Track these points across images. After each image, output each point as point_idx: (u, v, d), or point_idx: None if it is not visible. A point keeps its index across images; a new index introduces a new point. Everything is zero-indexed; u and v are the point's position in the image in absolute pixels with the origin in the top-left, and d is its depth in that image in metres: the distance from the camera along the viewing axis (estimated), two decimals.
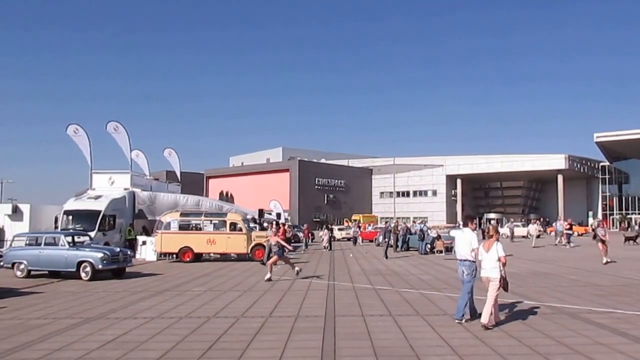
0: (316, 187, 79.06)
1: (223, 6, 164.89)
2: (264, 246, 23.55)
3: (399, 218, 67.61)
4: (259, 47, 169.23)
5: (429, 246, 27.49)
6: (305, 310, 10.48)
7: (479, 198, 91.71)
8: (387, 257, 24.01)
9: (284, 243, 17.02)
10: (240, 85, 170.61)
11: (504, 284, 8.65)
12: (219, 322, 9.39)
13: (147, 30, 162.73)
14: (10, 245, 18.99)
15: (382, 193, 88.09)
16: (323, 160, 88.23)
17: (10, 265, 17.13)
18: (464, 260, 9.16)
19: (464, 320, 8.95)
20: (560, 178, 77.36)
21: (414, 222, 54.25)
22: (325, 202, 79.77)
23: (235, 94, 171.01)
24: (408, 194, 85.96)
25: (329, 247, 32.17)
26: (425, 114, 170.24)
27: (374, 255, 26.80)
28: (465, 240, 9.18)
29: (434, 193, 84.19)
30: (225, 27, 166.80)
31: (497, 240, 8.90)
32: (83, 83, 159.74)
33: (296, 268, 16.60)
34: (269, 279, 15.51)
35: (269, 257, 17.71)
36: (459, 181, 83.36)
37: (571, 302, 11.10)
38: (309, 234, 36.38)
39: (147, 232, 27.52)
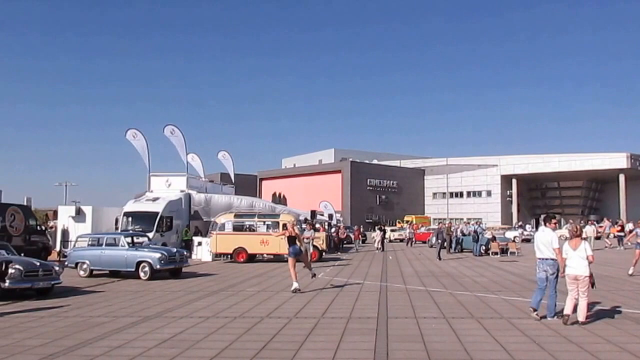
0: (368, 188, 78.72)
1: (276, 10, 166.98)
2: (316, 247, 23.69)
3: (452, 219, 66.40)
4: (311, 50, 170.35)
5: (483, 248, 26.86)
6: (358, 312, 10.43)
7: (535, 198, 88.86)
8: (440, 259, 23.64)
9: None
10: (292, 88, 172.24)
11: (592, 281, 8.92)
12: (272, 322, 9.48)
13: (203, 34, 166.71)
14: (74, 245, 19.85)
15: (434, 194, 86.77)
16: (375, 161, 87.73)
17: (74, 265, 17.87)
18: (546, 259, 9.21)
19: (553, 317, 9.10)
20: (621, 177, 73.86)
21: (467, 223, 53.21)
22: (378, 203, 79.31)
23: (287, 96, 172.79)
24: (461, 194, 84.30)
25: (381, 249, 31.95)
26: (478, 115, 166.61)
27: (427, 256, 26.42)
28: (546, 239, 9.23)
29: (489, 194, 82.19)
30: (278, 30, 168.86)
31: (583, 239, 9.12)
32: (142, 87, 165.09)
33: (313, 271, 14.76)
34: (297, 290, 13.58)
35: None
36: (514, 181, 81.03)
37: (635, 307, 10.57)
38: (360, 235, 36.21)
39: (200, 232, 28.19)
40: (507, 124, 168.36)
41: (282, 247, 23.39)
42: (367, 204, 77.22)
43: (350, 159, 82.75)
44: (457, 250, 29.06)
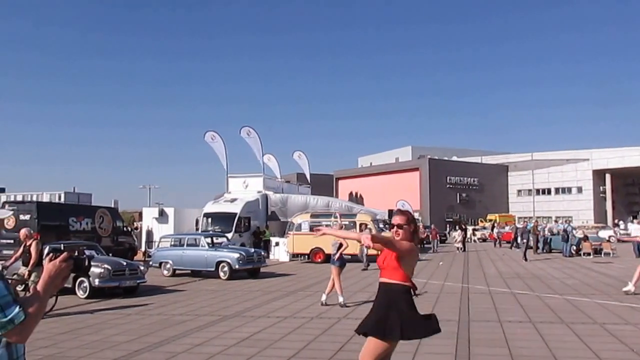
0: (448, 186, 76.81)
1: (351, 9, 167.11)
2: None
3: (538, 217, 63.43)
4: (386, 48, 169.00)
5: (574, 248, 25.39)
6: (438, 314, 9.95)
7: (632, 195, 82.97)
8: (526, 260, 22.58)
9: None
10: (367, 87, 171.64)
11: None
12: (349, 323, 9.35)
13: (278, 34, 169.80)
14: (158, 246, 20.70)
15: (519, 191, 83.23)
16: (454, 158, 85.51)
17: (157, 265, 18.58)
18: None
19: None
20: None
21: (555, 221, 50.58)
22: (458, 201, 77.19)
23: (363, 95, 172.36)
24: (549, 191, 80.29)
25: (462, 249, 31.01)
26: (565, 107, 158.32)
27: (512, 257, 25.34)
28: None
29: (579, 190, 77.74)
30: (353, 29, 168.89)
31: None
32: (218, 87, 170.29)
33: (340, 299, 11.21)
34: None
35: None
36: (607, 176, 76.10)
37: None
38: (437, 235, 35.18)
39: (262, 232, 28.27)
40: (598, 115, 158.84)
41: (359, 248, 23.33)
42: (446, 203, 75.35)
43: (429, 156, 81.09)
44: (544, 251, 27.68)
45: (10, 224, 18.91)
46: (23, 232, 10.94)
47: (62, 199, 25.43)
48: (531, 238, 26.28)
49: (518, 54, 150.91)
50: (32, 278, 10.25)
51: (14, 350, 2.32)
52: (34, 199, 26.04)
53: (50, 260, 2.41)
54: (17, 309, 2.22)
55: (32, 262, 10.37)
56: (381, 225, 26.71)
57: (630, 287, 12.18)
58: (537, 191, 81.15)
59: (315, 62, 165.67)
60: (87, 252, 14.47)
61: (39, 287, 2.37)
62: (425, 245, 34.77)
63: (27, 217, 19.69)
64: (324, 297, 11.29)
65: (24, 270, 10.44)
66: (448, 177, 77.38)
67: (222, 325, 9.30)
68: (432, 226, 36.06)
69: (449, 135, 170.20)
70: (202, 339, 8.22)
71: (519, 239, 29.64)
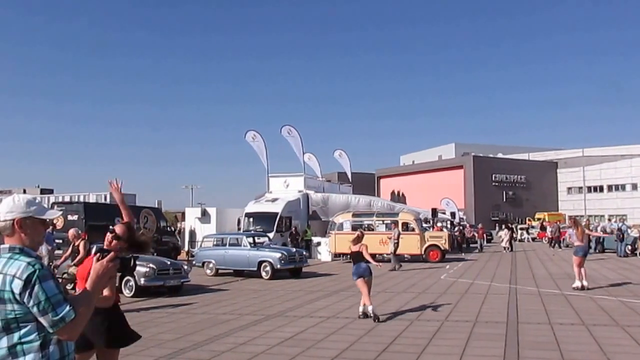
0: (493, 183, 75.11)
1: (394, 7, 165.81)
2: (438, 247, 22.95)
3: (590, 216, 61.27)
4: (428, 45, 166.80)
5: (629, 247, 24.36)
6: (485, 316, 9.83)
7: None
8: None
9: (367, 256, 10.05)
10: (409, 84, 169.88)
11: None
12: (393, 324, 9.22)
13: (320, 32, 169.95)
14: (201, 245, 20.96)
15: (569, 188, 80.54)
16: (500, 155, 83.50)
17: (201, 264, 18.76)
18: None
19: None
20: None
21: (609, 219, 48.72)
22: (504, 199, 75.35)
23: (404, 92, 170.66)
24: (601, 188, 77.34)
25: (509, 248, 30.22)
26: (618, 101, 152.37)
27: (562, 257, 24.52)
28: None
29: (634, 187, 74.53)
30: (389, 26, 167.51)
31: None
32: (258, 86, 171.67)
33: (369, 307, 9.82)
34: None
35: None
36: None
37: None
38: (484, 235, 34.34)
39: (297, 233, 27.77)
40: None
41: (403, 247, 23.04)
42: (492, 201, 73.69)
43: (473, 154, 79.50)
44: (597, 251, 26.68)
45: (59, 224, 19.49)
46: (71, 232, 11.22)
47: (108, 200, 26.04)
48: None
49: (568, 48, 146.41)
50: None
51: (64, 347, 2.40)
52: (81, 199, 26.76)
53: (98, 260, 2.47)
54: (67, 308, 2.29)
55: (78, 259, 10.63)
56: (424, 225, 26.35)
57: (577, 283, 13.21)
58: (589, 189, 78.23)
59: (356, 61, 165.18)
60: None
61: (87, 286, 2.42)
62: (471, 245, 34.13)
63: (75, 217, 20.22)
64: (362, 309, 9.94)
65: (73, 270, 10.70)
66: (493, 175, 75.62)
67: (265, 325, 9.30)
68: (479, 225, 35.14)
69: (494, 131, 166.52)
70: (245, 338, 8.24)
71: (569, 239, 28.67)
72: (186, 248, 28.04)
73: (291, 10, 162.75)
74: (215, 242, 19.37)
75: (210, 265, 18.47)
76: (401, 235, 21.09)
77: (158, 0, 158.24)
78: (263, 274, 17.12)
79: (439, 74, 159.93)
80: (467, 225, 39.47)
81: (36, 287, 2.26)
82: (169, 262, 14.20)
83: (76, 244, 10.86)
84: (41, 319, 2.28)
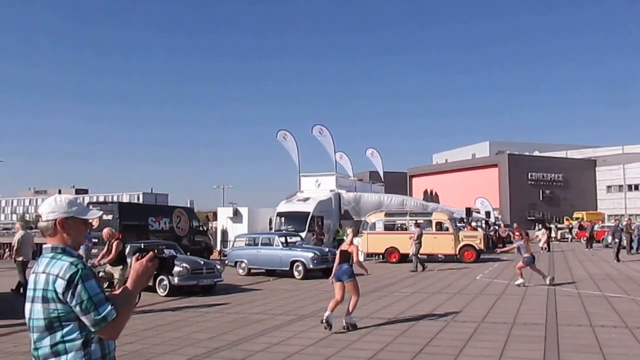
0: (529, 182, 73.49)
1: (429, 5, 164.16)
2: (473, 247, 22.54)
3: (631, 215, 59.37)
4: (461, 43, 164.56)
5: None
6: (523, 317, 9.58)
7: None
8: (618, 260, 21.13)
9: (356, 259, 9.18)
10: (441, 82, 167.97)
11: None
12: (428, 325, 9.07)
13: (352, 32, 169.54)
14: (233, 245, 21.06)
15: (609, 187, 78.18)
16: (536, 153, 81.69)
17: (233, 264, 18.82)
18: None
19: None
20: None
21: None
22: (541, 198, 73.62)
23: (436, 90, 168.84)
24: None
25: (547, 249, 29.49)
26: None
27: (602, 257, 23.81)
28: None
29: None
30: (422, 25, 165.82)
31: None
32: (290, 87, 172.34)
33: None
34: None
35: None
36: None
37: None
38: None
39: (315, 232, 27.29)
40: None
41: (437, 247, 22.76)
42: (528, 200, 72.11)
43: (508, 152, 77.99)
44: (638, 251, 25.82)
45: (95, 223, 19.84)
46: (106, 231, 11.31)
47: (141, 199, 26.59)
48: (624, 237, 24.54)
49: (608, 46, 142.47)
50: (116, 276, 10.64)
51: (105, 346, 2.42)
52: (115, 199, 27.28)
53: (137, 259, 2.48)
54: (109, 307, 2.32)
55: (109, 258, 10.73)
56: (458, 224, 25.95)
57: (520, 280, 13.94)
58: (629, 187, 75.81)
59: (388, 60, 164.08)
60: (166, 252, 14.93)
61: (128, 285, 2.45)
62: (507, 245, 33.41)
63: (110, 217, 20.39)
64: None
65: (110, 269, 10.88)
66: (529, 173, 73.96)
67: (299, 325, 9.27)
68: (515, 225, 34.25)
69: (530, 129, 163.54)
70: (279, 338, 8.21)
71: (609, 239, 27.80)
72: (218, 248, 28.26)
73: (323, 11, 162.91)
74: (247, 242, 19.40)
75: (243, 264, 18.53)
76: (423, 235, 20.47)
77: (198, 3, 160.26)
78: (295, 273, 17.08)
79: (473, 71, 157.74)
80: (502, 224, 38.69)
81: (79, 287, 2.29)
82: (202, 262, 14.30)
83: (111, 243, 10.96)
84: (83, 318, 2.30)
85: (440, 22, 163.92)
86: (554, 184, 75.24)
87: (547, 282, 14.00)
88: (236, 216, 30.05)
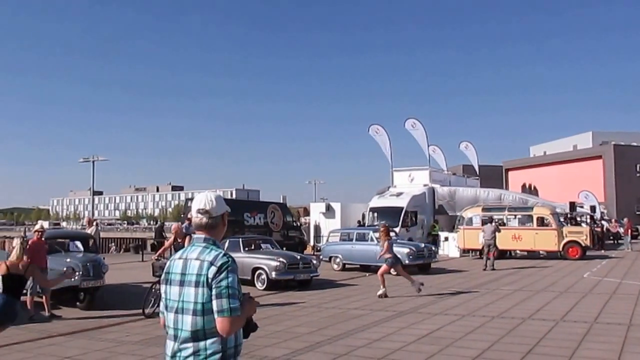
0: (638, 174, 68.17)
1: None
2: (578, 243, 21.25)
3: None
4: (566, 34, 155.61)
5: None
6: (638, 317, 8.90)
7: None
8: None
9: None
10: (540, 74, 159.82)
11: None
12: (535, 324, 8.63)
13: (440, 27, 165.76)
14: (327, 240, 21.19)
15: None
16: None
17: (327, 259, 18.91)
18: None
19: None
20: None
21: None
22: None
23: (534, 83, 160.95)
24: None
25: None
26: None
27: None
28: None
29: None
30: (518, 19, 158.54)
31: None
32: (381, 82, 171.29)
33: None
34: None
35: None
36: None
37: None
38: (630, 230, 30.56)
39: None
40: None
41: (538, 243, 21.68)
42: (636, 194, 66.88)
43: (613, 142, 72.76)
44: None
45: None
46: (175, 226, 11.31)
47: (234, 195, 27.49)
48: None
49: None
50: None
51: (238, 336, 2.55)
52: None
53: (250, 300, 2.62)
54: (238, 304, 2.47)
55: (162, 249, 10.77)
56: (561, 219, 24.52)
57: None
58: None
59: (481, 54, 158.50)
60: (262, 246, 15.33)
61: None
62: (619, 241, 31.26)
63: None
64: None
65: (163, 262, 10.58)
66: (638, 165, 68.63)
67: (398, 321, 9.14)
68: (625, 219, 31.30)
69: (637, 118, 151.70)
70: (380, 334, 8.14)
71: None
72: (311, 243, 28.61)
73: (413, 6, 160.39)
74: (341, 237, 19.45)
75: (337, 260, 18.60)
76: (499, 230, 19.22)
77: (294, 2, 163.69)
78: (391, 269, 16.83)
79: (575, 62, 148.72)
80: (613, 219, 35.97)
81: (223, 274, 2.47)
82: (299, 257, 14.52)
83: (177, 237, 10.77)
84: (214, 302, 2.45)
85: (535, 13, 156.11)
86: None
87: (382, 293, 12.16)
88: (329, 211, 30.22)
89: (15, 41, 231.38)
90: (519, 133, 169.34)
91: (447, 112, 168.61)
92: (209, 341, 2.45)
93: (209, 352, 2.45)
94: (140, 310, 10.03)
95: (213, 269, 2.47)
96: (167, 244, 11.23)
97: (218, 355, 2.46)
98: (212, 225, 2.65)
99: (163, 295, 2.65)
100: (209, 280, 2.45)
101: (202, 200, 2.71)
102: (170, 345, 2.54)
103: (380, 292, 12.12)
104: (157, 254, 11.05)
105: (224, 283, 2.45)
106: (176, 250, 10.78)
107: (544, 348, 7.06)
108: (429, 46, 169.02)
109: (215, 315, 2.43)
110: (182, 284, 2.52)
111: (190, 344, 2.46)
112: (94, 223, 17.14)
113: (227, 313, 2.42)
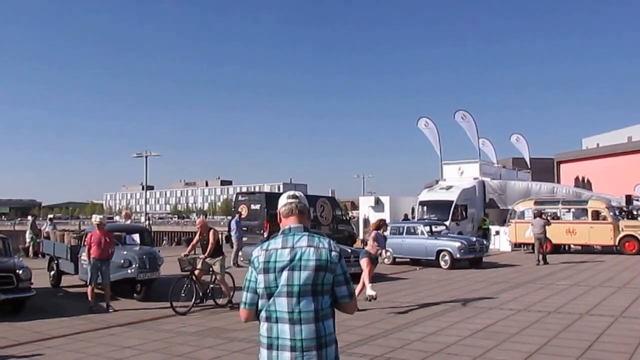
0: None
1: None
2: (635, 237, 20.54)
3: None
4: (614, 27, 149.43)
5: None
6: None
7: None
8: None
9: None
10: (590, 64, 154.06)
11: None
12: (593, 320, 8.48)
13: (492, 19, 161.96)
14: None
15: None
16: None
17: None
18: None
19: None
20: None
21: None
22: None
23: (586, 74, 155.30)
24: None
25: None
26: None
27: None
28: None
29: None
30: (573, 11, 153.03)
31: None
32: (430, 76, 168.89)
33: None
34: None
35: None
36: None
37: None
38: None
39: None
40: None
41: (593, 237, 21.07)
42: None
43: None
44: None
45: (244, 213, 20.81)
46: (200, 220, 11.32)
47: (281, 189, 27.75)
48: None
49: None
50: (216, 269, 10.44)
51: (321, 328, 2.63)
52: (257, 189, 28.75)
53: None
54: (353, 287, 2.76)
55: (209, 249, 10.40)
56: (617, 213, 23.72)
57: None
58: None
59: (533, 46, 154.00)
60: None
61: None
62: None
63: (257, 206, 20.89)
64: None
65: (209, 260, 10.51)
66: None
67: (453, 315, 9.15)
68: None
69: None
70: (434, 327, 8.18)
71: None
72: (360, 236, 28.62)
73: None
74: (391, 231, 19.42)
75: (388, 253, 18.57)
76: (550, 224, 18.58)
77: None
78: (442, 263, 16.76)
79: (629, 54, 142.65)
80: None
81: (343, 260, 2.71)
82: (349, 250, 14.59)
83: (203, 232, 10.68)
84: (340, 288, 2.68)
85: (592, 3, 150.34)
86: None
87: (372, 294, 10.12)
88: (378, 205, 30.17)
89: (77, 40, 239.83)
90: (571, 125, 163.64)
91: (497, 104, 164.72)
92: (326, 322, 2.63)
93: (327, 331, 2.61)
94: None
95: (335, 255, 2.67)
96: (195, 239, 11.00)
97: (333, 335, 2.65)
98: (301, 210, 2.83)
99: (263, 285, 2.65)
100: (332, 265, 2.63)
101: (291, 191, 3.00)
102: (288, 329, 2.58)
103: (369, 293, 10.04)
104: (188, 250, 10.82)
105: (345, 269, 2.68)
106: (201, 245, 10.85)
107: (603, 344, 6.95)
108: (479, 38, 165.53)
109: (342, 300, 2.67)
110: (292, 269, 2.63)
111: (312, 325, 2.57)
112: (131, 217, 17.46)
113: (352, 297, 2.70)
